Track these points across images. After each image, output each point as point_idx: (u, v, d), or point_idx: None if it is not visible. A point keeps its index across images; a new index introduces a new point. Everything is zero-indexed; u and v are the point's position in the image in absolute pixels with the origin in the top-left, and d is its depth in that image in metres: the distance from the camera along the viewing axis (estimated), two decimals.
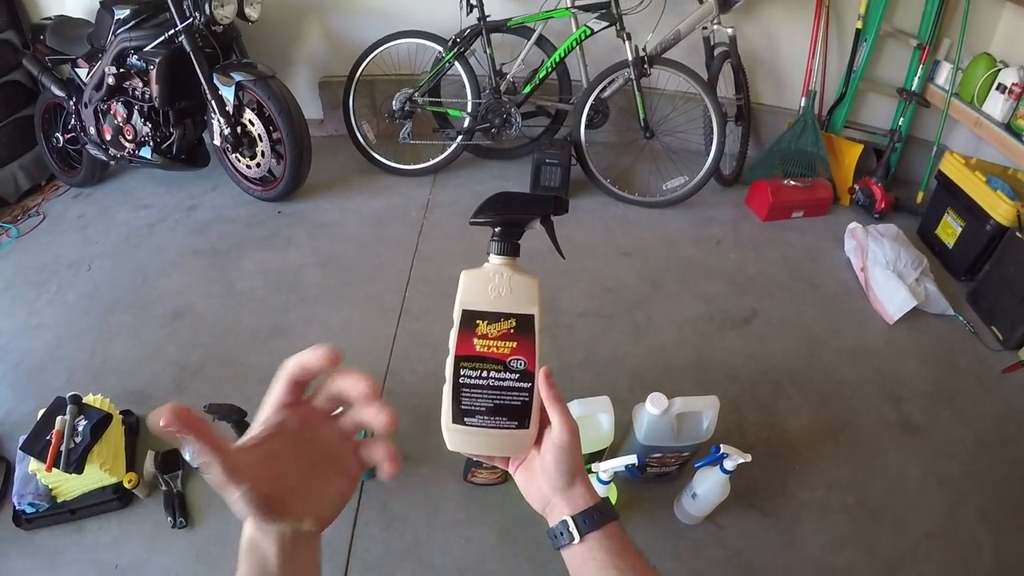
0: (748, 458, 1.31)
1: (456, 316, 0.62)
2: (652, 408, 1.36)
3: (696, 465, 1.43)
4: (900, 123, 2.71)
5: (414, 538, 1.59)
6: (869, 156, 2.84)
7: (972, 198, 2.29)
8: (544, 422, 0.64)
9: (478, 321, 0.62)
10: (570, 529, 0.60)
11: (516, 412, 0.63)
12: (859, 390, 1.91)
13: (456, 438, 0.63)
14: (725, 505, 1.46)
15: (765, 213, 2.63)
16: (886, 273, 2.19)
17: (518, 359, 0.62)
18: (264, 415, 0.53)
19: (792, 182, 2.65)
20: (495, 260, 0.64)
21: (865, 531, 1.57)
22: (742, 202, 2.77)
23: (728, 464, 1.33)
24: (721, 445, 1.34)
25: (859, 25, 2.59)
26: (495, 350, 0.62)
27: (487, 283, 0.63)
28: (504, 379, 0.62)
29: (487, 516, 1.62)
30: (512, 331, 0.62)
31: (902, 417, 1.83)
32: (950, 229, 2.41)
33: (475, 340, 0.62)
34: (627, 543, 0.61)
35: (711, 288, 2.31)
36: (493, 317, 0.62)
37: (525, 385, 0.62)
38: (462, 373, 0.62)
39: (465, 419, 0.63)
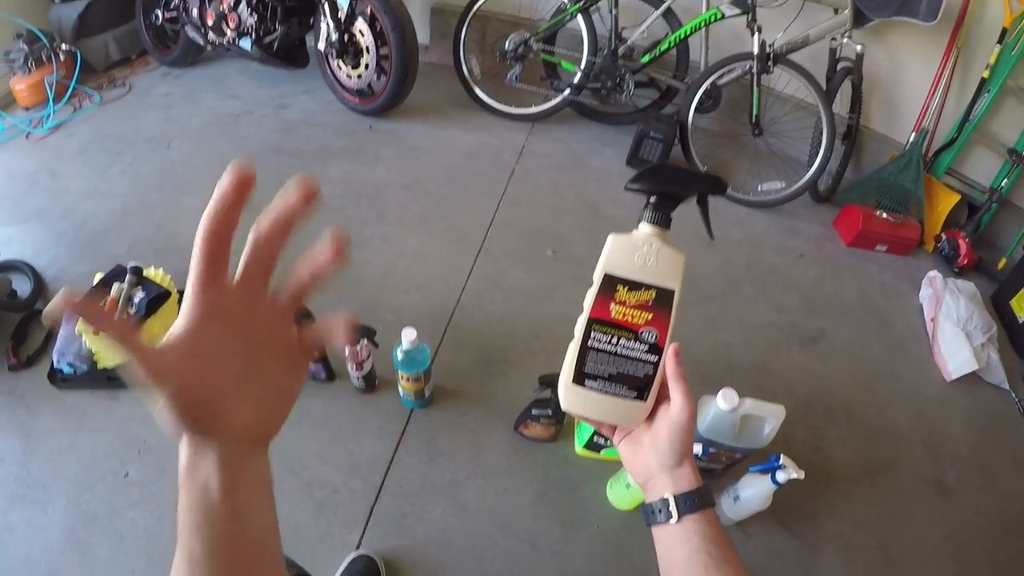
0: (802, 475, 1.32)
1: (597, 278, 0.63)
2: (722, 403, 1.37)
3: (751, 469, 1.45)
4: (1003, 184, 2.62)
5: (453, 477, 1.62)
6: (963, 209, 2.76)
7: None
8: (661, 398, 0.64)
9: (619, 287, 0.62)
10: (670, 507, 0.61)
11: (637, 383, 0.63)
12: (905, 437, 1.91)
13: (572, 398, 0.65)
14: (757, 515, 1.48)
15: (851, 238, 2.59)
16: (955, 330, 2.16)
17: (651, 331, 0.62)
18: (186, 300, 0.44)
19: (884, 215, 2.60)
20: (646, 229, 0.64)
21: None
22: (830, 222, 2.72)
23: (781, 476, 1.34)
24: (781, 456, 1.35)
25: (985, 75, 2.49)
26: (630, 319, 0.62)
27: (634, 251, 0.63)
28: (633, 348, 0.63)
29: (529, 470, 1.65)
30: (651, 303, 0.62)
31: (937, 475, 1.83)
32: None
33: (612, 305, 0.62)
34: (721, 532, 0.61)
35: (786, 299, 2.30)
36: (634, 286, 0.62)
37: (652, 358, 0.63)
38: (592, 335, 0.63)
39: (586, 381, 0.64)
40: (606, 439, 1.47)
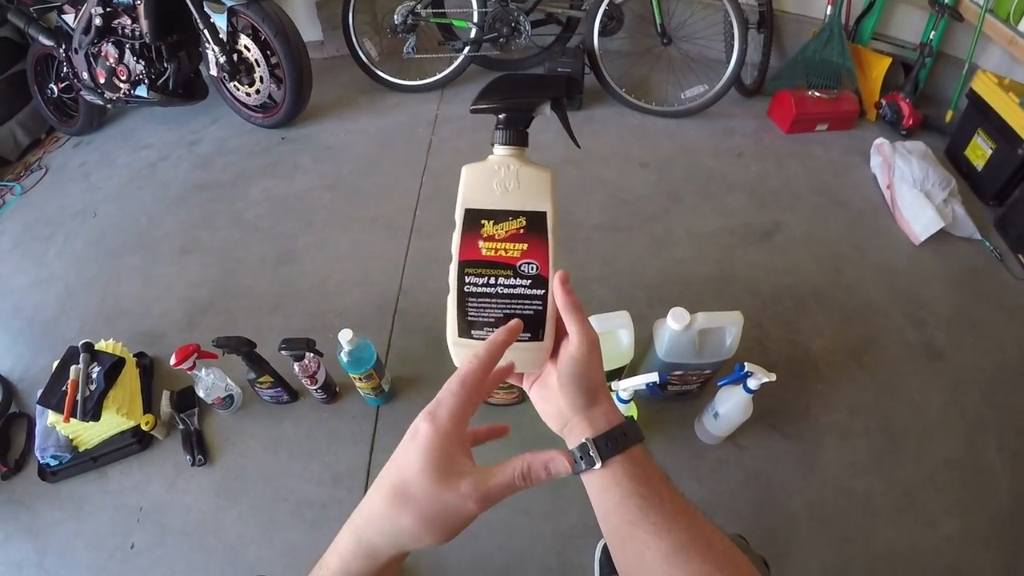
0: (773, 377, 1.26)
1: (458, 216, 0.57)
2: (673, 323, 1.31)
3: (719, 383, 1.39)
4: (931, 37, 2.55)
5: None
6: (897, 70, 2.70)
7: (1005, 120, 2.16)
8: (561, 333, 0.58)
9: (483, 221, 0.57)
10: (591, 453, 0.54)
11: (529, 322, 0.57)
12: (883, 311, 1.86)
13: (463, 354, 0.59)
14: (746, 425, 1.43)
15: (788, 125, 2.53)
16: (913, 192, 2.11)
17: (530, 263, 0.56)
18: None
19: (817, 94, 2.54)
20: (500, 151, 0.58)
21: (885, 457, 1.54)
22: (764, 113, 2.66)
23: (752, 383, 1.28)
24: (745, 363, 1.29)
25: None
26: (503, 253, 0.57)
27: (492, 177, 0.57)
28: (514, 286, 0.57)
29: (503, 438, 1.60)
30: (522, 231, 0.56)
31: (925, 341, 1.78)
32: (980, 151, 2.29)
33: (480, 243, 0.57)
34: (654, 468, 0.55)
35: (732, 201, 2.24)
36: (500, 216, 0.56)
37: (538, 292, 0.57)
38: (467, 280, 0.57)
39: (473, 332, 0.58)
40: None
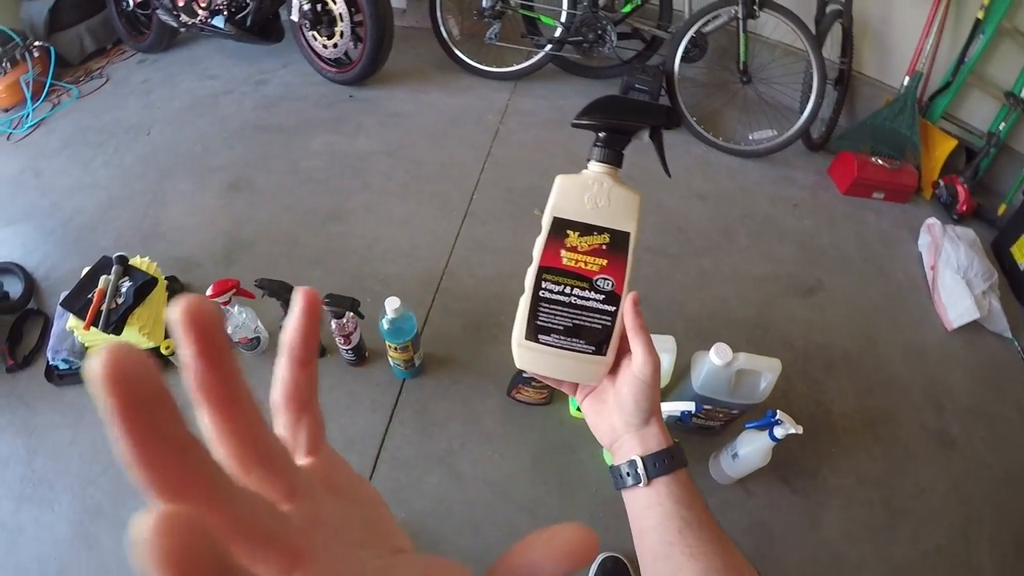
0: (800, 430, 1.28)
1: (545, 223, 0.58)
2: (715, 358, 1.33)
3: (747, 425, 1.41)
4: (1000, 128, 2.55)
5: (447, 445, 1.60)
6: (960, 154, 2.69)
7: None
8: (622, 351, 0.60)
9: (569, 231, 0.58)
10: (638, 470, 0.56)
11: (595, 336, 0.59)
12: (906, 388, 1.87)
13: (526, 356, 0.60)
14: (758, 473, 1.45)
15: (847, 186, 2.54)
16: (955, 278, 2.11)
17: (606, 279, 0.58)
18: None
19: (879, 161, 2.54)
20: (596, 168, 0.59)
21: (882, 531, 1.56)
22: (825, 170, 2.66)
23: (779, 432, 1.30)
24: (778, 411, 1.31)
25: (980, 15, 2.41)
26: (583, 265, 0.58)
27: (584, 191, 0.58)
28: (588, 298, 0.58)
29: (524, 436, 1.63)
30: (604, 247, 0.58)
31: (941, 427, 1.80)
32: None
33: (563, 252, 0.58)
34: (695, 493, 0.57)
35: (781, 250, 2.25)
36: (586, 229, 0.58)
37: (609, 308, 0.58)
38: (543, 286, 0.58)
39: (539, 336, 0.59)
40: None
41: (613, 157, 0.59)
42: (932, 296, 2.17)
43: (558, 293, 0.58)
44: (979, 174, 2.67)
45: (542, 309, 0.58)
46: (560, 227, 0.58)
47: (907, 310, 2.12)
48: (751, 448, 1.39)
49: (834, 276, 2.17)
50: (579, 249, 0.58)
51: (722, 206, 2.40)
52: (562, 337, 0.59)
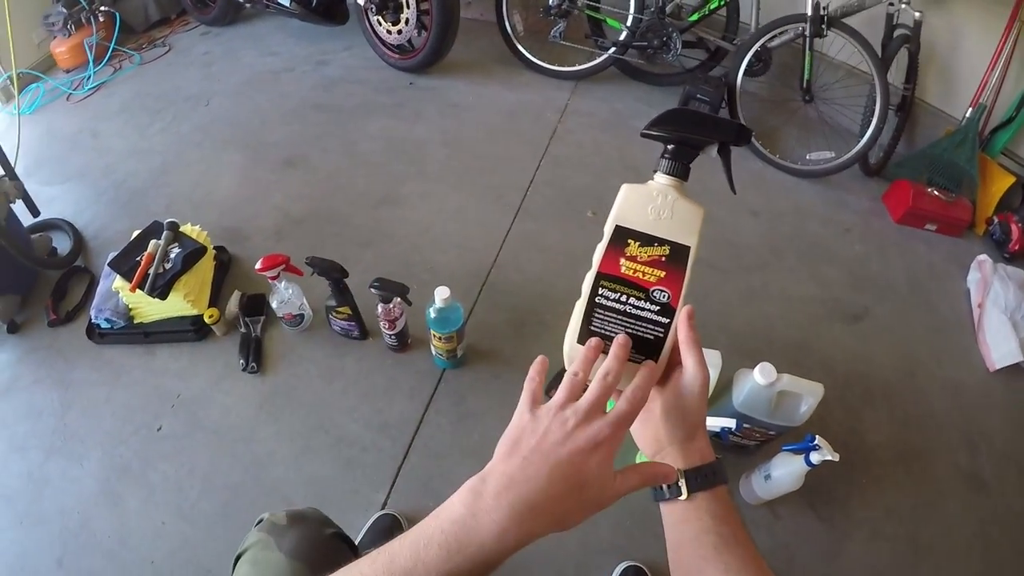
0: (837, 457, 1.28)
1: (607, 230, 0.59)
2: (759, 377, 1.33)
3: (784, 447, 1.41)
4: None
5: (481, 438, 1.61)
6: (1017, 192, 2.62)
7: None
8: (672, 364, 0.60)
9: (630, 240, 0.58)
10: (679, 483, 0.57)
11: (647, 346, 0.59)
12: (942, 426, 1.86)
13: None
14: (786, 496, 1.45)
15: (900, 215, 2.51)
16: (1002, 318, 2.08)
17: (663, 291, 0.58)
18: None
19: (935, 192, 2.51)
20: (662, 179, 0.60)
21: (905, 568, 1.55)
22: (879, 196, 2.64)
23: (815, 457, 1.30)
24: (816, 436, 1.31)
25: None
26: (641, 275, 0.58)
27: (649, 202, 0.59)
28: (643, 308, 0.58)
29: None
30: (664, 259, 0.58)
31: (974, 469, 1.78)
32: None
33: (622, 260, 0.58)
34: (732, 510, 0.58)
35: (830, 273, 2.23)
36: (647, 240, 0.58)
37: (664, 320, 0.58)
38: (600, 292, 0.59)
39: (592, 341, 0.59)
40: None
41: (680, 170, 0.60)
42: (976, 335, 2.14)
43: (614, 300, 0.59)
44: None
45: (597, 314, 0.59)
46: (621, 236, 0.59)
47: (950, 347, 2.10)
48: (785, 471, 1.40)
49: (880, 305, 2.16)
50: (639, 259, 0.58)
51: (774, 224, 2.39)
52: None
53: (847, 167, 2.57)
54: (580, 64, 2.90)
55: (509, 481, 0.49)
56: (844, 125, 2.79)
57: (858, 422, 1.81)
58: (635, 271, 0.58)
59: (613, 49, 2.79)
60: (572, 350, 0.60)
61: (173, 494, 1.47)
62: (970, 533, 1.65)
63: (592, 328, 0.59)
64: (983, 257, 2.33)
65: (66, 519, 1.45)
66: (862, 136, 2.51)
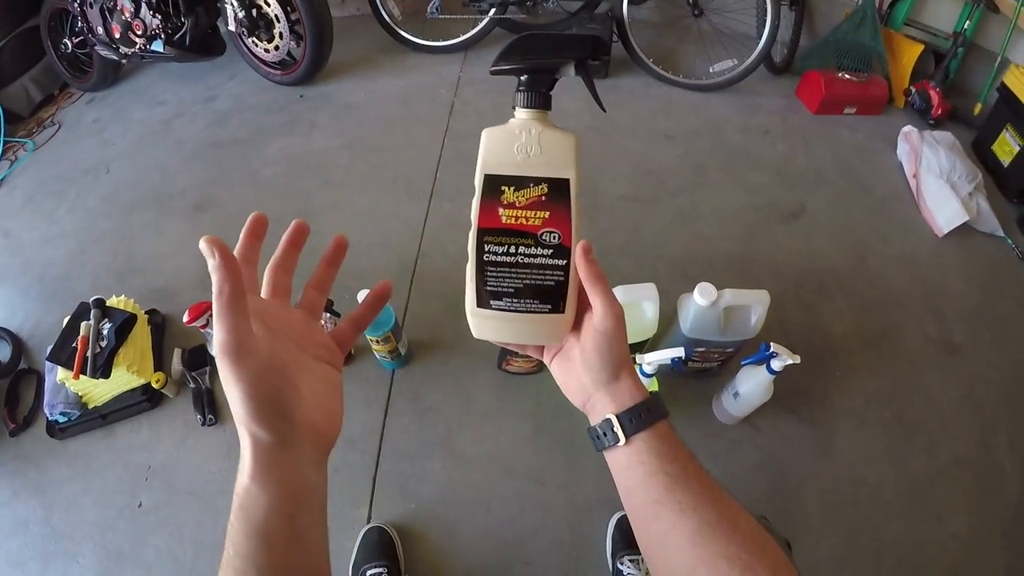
0: (797, 359, 1.24)
1: (477, 182, 0.54)
2: (700, 299, 1.29)
3: (743, 362, 1.37)
4: (965, 27, 2.49)
5: (446, 428, 1.58)
6: (928, 58, 2.64)
7: None
8: (583, 306, 0.56)
9: (503, 188, 0.54)
10: (615, 429, 0.53)
11: (550, 294, 0.55)
12: (903, 301, 1.84)
13: (482, 324, 0.56)
14: (763, 407, 1.42)
15: (816, 106, 2.49)
16: (939, 183, 2.08)
17: (551, 232, 0.54)
18: (234, 308, 0.42)
19: (847, 76, 2.50)
20: (521, 114, 0.55)
21: (899, 448, 1.54)
22: (792, 92, 2.62)
23: (776, 364, 1.26)
24: (771, 344, 1.27)
25: None
26: (524, 221, 0.54)
27: (513, 142, 0.54)
28: (535, 255, 0.54)
29: (521, 406, 1.61)
30: (544, 198, 0.54)
31: (944, 335, 1.77)
32: (1007, 147, 2.24)
33: (500, 210, 0.54)
34: (678, 445, 0.54)
35: (758, 179, 2.21)
36: (521, 182, 0.54)
37: (560, 262, 0.54)
38: (486, 249, 0.54)
39: (492, 302, 0.55)
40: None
41: (538, 100, 0.55)
42: (918, 204, 2.13)
43: (503, 254, 0.54)
44: (950, 76, 2.62)
45: (489, 273, 0.55)
46: (493, 184, 0.54)
47: (894, 222, 2.08)
48: (751, 384, 1.36)
49: (815, 198, 2.14)
50: (517, 204, 0.54)
51: (691, 143, 2.36)
52: (515, 300, 0.55)
53: (752, 71, 2.55)
54: (464, 34, 2.85)
55: None
56: (741, 31, 2.75)
57: (818, 317, 1.78)
58: (517, 218, 0.54)
59: (493, 10, 2.74)
60: (475, 318, 0.56)
61: (169, 565, 1.45)
62: (956, 398, 1.64)
63: (488, 288, 0.55)
64: (908, 128, 2.33)
65: None
66: (760, 38, 2.48)
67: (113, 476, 1.61)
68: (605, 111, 0.62)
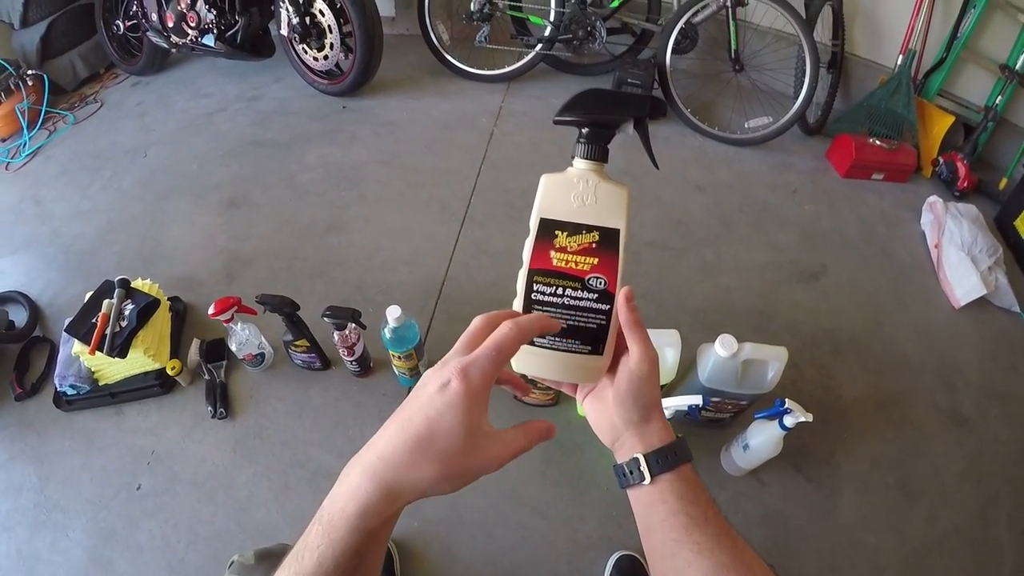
0: (810, 418, 1.26)
1: (533, 224, 0.58)
2: (721, 350, 1.32)
3: (757, 416, 1.40)
4: (997, 102, 2.52)
5: None
6: (958, 130, 2.66)
7: None
8: (620, 349, 0.59)
9: (557, 232, 0.58)
10: (641, 468, 0.56)
11: (591, 335, 0.59)
12: (916, 369, 1.86)
13: (523, 359, 0.60)
14: (770, 462, 1.44)
15: (846, 169, 2.52)
16: (960, 255, 2.10)
17: (598, 277, 0.57)
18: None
19: (877, 142, 2.52)
20: (580, 165, 0.59)
21: (899, 514, 1.55)
22: (823, 154, 2.65)
23: (788, 421, 1.29)
24: (786, 400, 1.30)
25: None
26: (573, 265, 0.58)
27: (570, 190, 0.58)
28: (581, 298, 0.58)
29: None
30: (594, 246, 0.57)
31: (953, 406, 1.78)
32: None
33: (552, 253, 0.58)
34: (701, 488, 0.57)
35: (783, 236, 2.24)
36: (574, 228, 0.57)
37: (603, 307, 0.58)
38: (535, 288, 0.58)
39: (534, 339, 0.58)
40: None
41: (597, 152, 0.58)
42: (938, 274, 2.15)
43: (551, 295, 0.58)
44: (978, 149, 2.65)
45: (535, 311, 0.58)
46: (548, 228, 0.58)
47: (913, 290, 2.10)
48: (762, 438, 1.38)
49: (837, 260, 2.16)
50: (568, 249, 0.57)
51: (721, 196, 2.39)
52: (557, 338, 0.58)
53: (786, 130, 2.58)
54: (509, 65, 2.90)
55: (371, 442, 0.50)
56: (778, 89, 2.80)
57: (831, 378, 1.80)
58: (567, 262, 0.57)
59: (540, 45, 2.78)
60: (517, 352, 0.58)
61: (161, 551, 1.45)
62: (960, 469, 1.65)
63: None
64: (934, 198, 2.35)
65: None
66: (797, 98, 2.52)
67: (115, 455, 1.62)
68: (659, 168, 0.65)
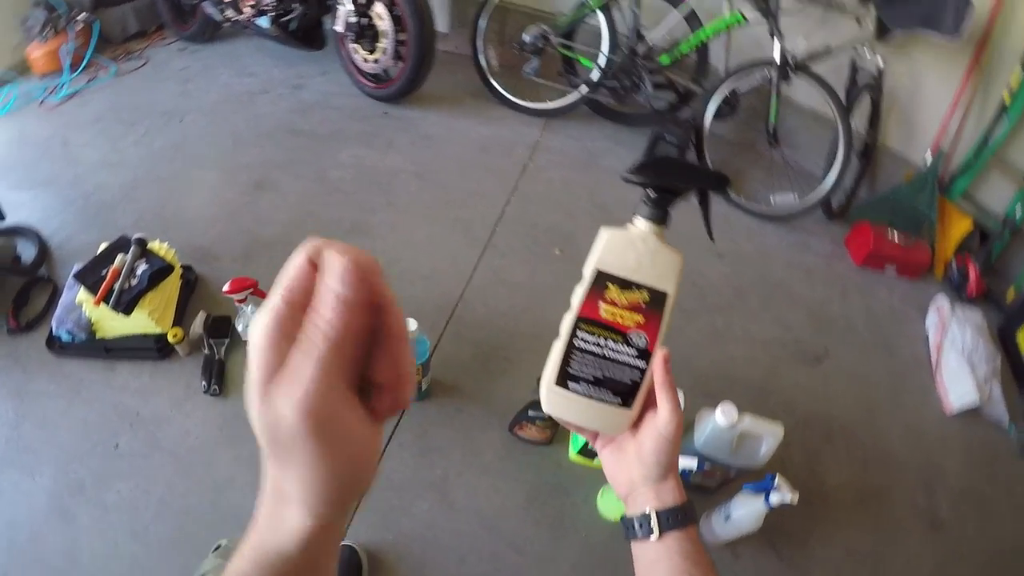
0: (795, 499, 1.29)
1: (587, 274, 0.60)
2: (721, 418, 1.34)
3: (745, 487, 1.42)
4: (1017, 213, 2.57)
5: (443, 473, 1.60)
6: (975, 235, 2.71)
7: None
8: (648, 406, 0.62)
9: (610, 285, 0.59)
10: (651, 523, 0.59)
11: (623, 389, 0.61)
12: (901, 467, 1.88)
13: (553, 400, 0.62)
14: (748, 537, 1.46)
15: (862, 258, 2.56)
16: (959, 360, 2.13)
17: (641, 335, 0.60)
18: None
19: (896, 236, 2.57)
20: (643, 225, 0.61)
21: None
22: (841, 239, 2.69)
23: (775, 498, 1.31)
24: (777, 476, 1.32)
25: (1006, 99, 2.45)
26: (620, 320, 0.59)
27: (629, 247, 0.60)
28: (621, 352, 0.60)
29: (522, 473, 1.63)
30: (643, 304, 0.59)
31: (931, 508, 1.80)
32: None
33: (602, 304, 0.59)
34: (703, 550, 0.59)
35: (792, 315, 2.27)
36: (627, 285, 0.59)
37: (640, 364, 0.60)
38: (579, 335, 0.60)
39: (569, 383, 0.61)
40: None
41: (660, 216, 0.60)
42: (935, 376, 2.18)
43: (592, 344, 0.60)
44: (992, 258, 2.68)
45: (575, 357, 0.60)
46: (602, 280, 0.59)
47: (909, 388, 2.13)
48: (745, 511, 1.40)
49: (841, 347, 2.19)
50: (618, 303, 0.59)
51: (738, 266, 2.42)
52: (591, 386, 0.61)
53: (811, 211, 2.63)
54: (552, 101, 2.94)
55: None
56: (808, 169, 2.85)
57: (818, 463, 1.83)
58: (614, 315, 0.59)
59: (585, 88, 2.84)
60: (549, 392, 0.61)
61: (127, 514, 1.45)
62: (929, 570, 1.67)
63: (570, 371, 0.60)
64: (941, 300, 2.38)
65: (14, 532, 1.42)
66: (825, 180, 2.57)
67: (98, 410, 1.62)
68: (714, 240, 0.66)
